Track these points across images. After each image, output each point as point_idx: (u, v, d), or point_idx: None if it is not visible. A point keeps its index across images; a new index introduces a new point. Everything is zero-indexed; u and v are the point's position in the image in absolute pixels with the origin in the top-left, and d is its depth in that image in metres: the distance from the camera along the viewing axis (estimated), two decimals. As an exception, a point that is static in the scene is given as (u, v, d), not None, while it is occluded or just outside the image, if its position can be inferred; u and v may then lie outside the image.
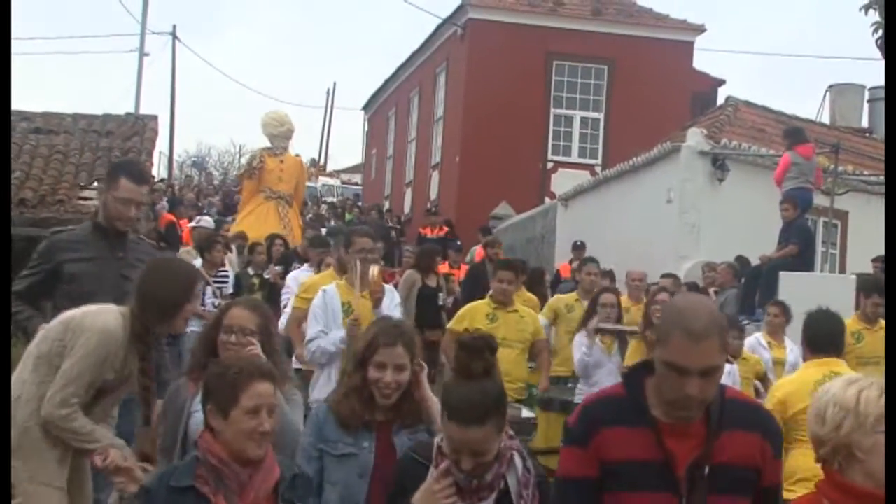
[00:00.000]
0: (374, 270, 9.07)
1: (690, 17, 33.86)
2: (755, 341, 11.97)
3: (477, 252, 21.19)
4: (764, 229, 18.71)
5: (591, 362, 10.95)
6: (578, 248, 20.47)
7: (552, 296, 15.93)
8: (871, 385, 3.99)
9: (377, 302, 8.94)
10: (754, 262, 18.09)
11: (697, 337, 3.80)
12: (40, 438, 5.98)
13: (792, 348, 11.94)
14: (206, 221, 18.82)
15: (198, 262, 17.35)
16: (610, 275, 15.65)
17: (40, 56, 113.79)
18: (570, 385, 12.10)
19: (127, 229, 6.97)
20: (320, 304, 9.11)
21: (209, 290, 14.43)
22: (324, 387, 8.70)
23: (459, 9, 33.31)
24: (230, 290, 14.96)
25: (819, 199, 19.65)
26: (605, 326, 11.09)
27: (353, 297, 8.99)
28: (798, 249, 17.92)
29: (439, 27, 35.36)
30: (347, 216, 31.80)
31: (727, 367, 9.48)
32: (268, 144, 21.60)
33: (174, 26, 49.88)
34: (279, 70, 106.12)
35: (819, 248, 20.25)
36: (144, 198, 6.11)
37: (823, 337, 7.51)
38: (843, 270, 20.71)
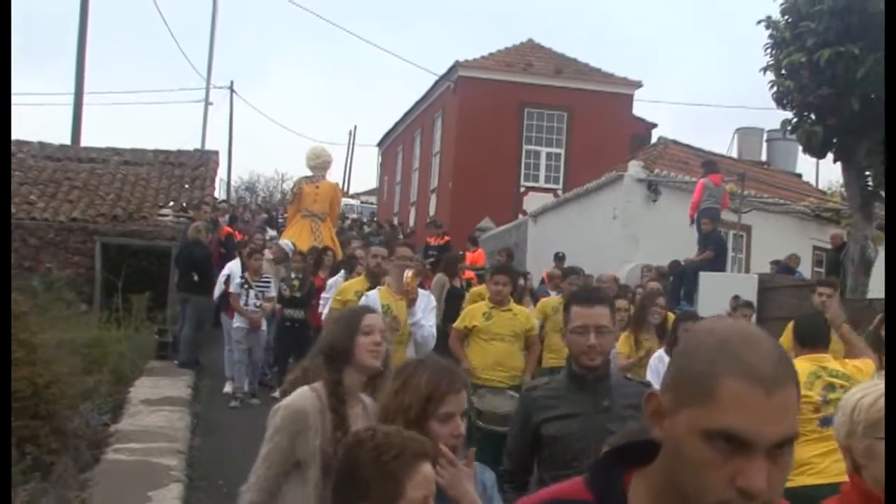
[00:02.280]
0: (408, 274, 8.26)
1: (631, 74, 33.85)
2: None
3: (468, 259, 21.01)
4: (687, 239, 18.78)
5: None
6: (560, 258, 19.89)
7: (529, 296, 15.79)
8: (873, 391, 3.13)
9: (411, 302, 8.17)
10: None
11: (770, 383, 1.76)
12: None
13: None
14: (286, 244, 18.42)
15: (288, 246, 17.24)
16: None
17: (130, 105, 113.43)
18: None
19: (598, 368, 4.47)
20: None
21: (252, 292, 14.10)
22: None
23: (452, 69, 33.37)
24: (272, 293, 14.59)
25: (728, 216, 19.79)
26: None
27: (392, 300, 8.16)
28: (713, 254, 18.05)
29: (436, 83, 35.43)
30: (366, 229, 31.74)
31: None
32: (308, 173, 21.48)
33: (231, 82, 50.27)
34: (313, 115, 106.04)
35: (729, 254, 20.30)
36: (606, 319, 4.45)
37: (811, 334, 6.92)
38: (747, 271, 20.77)
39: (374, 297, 8.16)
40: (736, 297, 12.82)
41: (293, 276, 15.28)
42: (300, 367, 4.94)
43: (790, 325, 10.50)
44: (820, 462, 6.34)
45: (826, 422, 6.32)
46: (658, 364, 8.87)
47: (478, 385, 9.18)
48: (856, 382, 6.29)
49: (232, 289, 14.08)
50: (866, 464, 3.04)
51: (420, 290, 8.52)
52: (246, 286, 14.04)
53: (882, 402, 3.03)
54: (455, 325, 10.45)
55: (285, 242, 17.95)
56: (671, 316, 10.47)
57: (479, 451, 9.91)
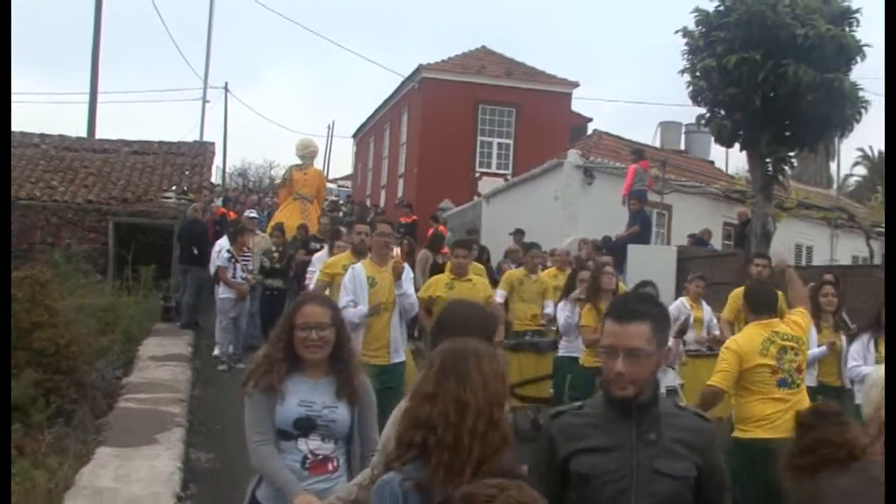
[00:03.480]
0: (396, 251, 7.96)
1: (570, 76, 33.91)
2: (680, 304, 10.89)
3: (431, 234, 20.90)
4: (618, 216, 18.95)
5: (572, 324, 9.73)
6: (518, 233, 19.66)
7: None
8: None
9: (398, 275, 7.78)
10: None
11: None
12: None
13: (706, 309, 11.10)
14: (250, 212, 18.44)
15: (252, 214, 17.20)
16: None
17: (140, 103, 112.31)
18: (527, 336, 10.89)
19: (629, 399, 3.14)
20: (350, 278, 7.88)
21: (238, 266, 13.76)
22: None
23: (416, 71, 33.26)
24: (254, 267, 14.37)
25: (652, 196, 19.95)
26: (584, 297, 9.75)
27: (377, 272, 7.85)
28: (640, 230, 18.23)
29: (403, 83, 35.30)
30: (343, 209, 31.65)
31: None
32: (298, 161, 21.32)
33: (226, 83, 50.12)
34: (296, 111, 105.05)
35: (653, 229, 20.47)
36: (643, 339, 3.11)
37: (762, 303, 6.53)
38: (668, 243, 20.89)
39: (359, 270, 7.96)
40: (693, 271, 12.24)
41: (273, 249, 15.23)
42: (263, 354, 4.24)
43: (734, 293, 10.19)
44: (777, 418, 6.09)
45: (782, 383, 6.20)
46: None
47: None
48: (803, 342, 6.41)
49: (220, 262, 13.83)
50: None
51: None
52: (233, 260, 13.81)
53: None
54: (419, 294, 9.92)
55: (251, 212, 17.95)
56: (622, 285, 10.16)
57: None
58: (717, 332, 10.58)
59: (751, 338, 6.35)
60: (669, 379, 8.43)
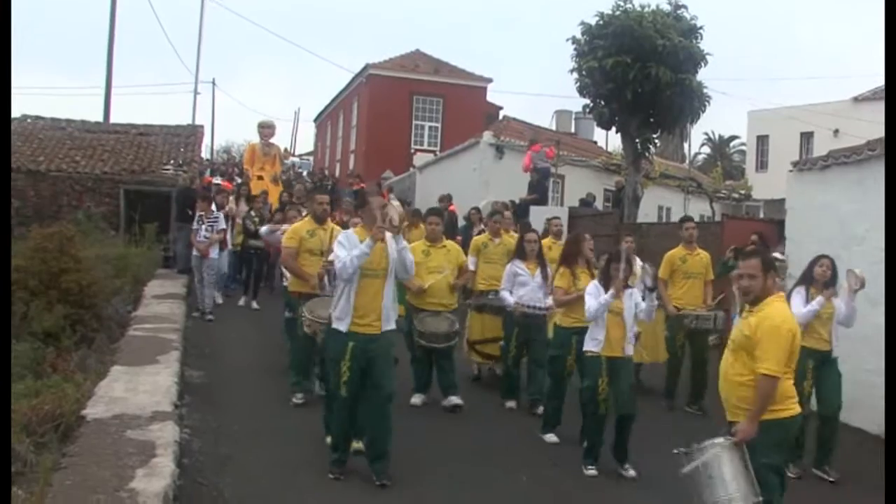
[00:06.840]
0: (394, 215, 6.01)
1: (485, 73, 34.02)
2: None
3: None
4: (521, 183, 19.15)
5: (518, 282, 8.58)
6: (446, 198, 18.42)
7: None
8: None
9: (395, 228, 6.05)
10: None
11: None
12: None
13: (637, 263, 9.22)
14: (217, 180, 18.04)
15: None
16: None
17: (144, 95, 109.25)
18: (490, 296, 9.21)
19: None
20: (344, 239, 6.03)
21: (203, 227, 12.74)
22: (343, 305, 6.00)
23: (364, 69, 33.05)
24: (222, 226, 13.09)
25: (551, 169, 20.15)
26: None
27: (367, 238, 5.93)
28: (538, 196, 18.47)
29: (354, 78, 35.02)
30: (306, 178, 31.35)
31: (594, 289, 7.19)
32: (269, 139, 20.54)
33: (213, 78, 49.18)
34: (269, 98, 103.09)
35: (550, 194, 20.72)
36: None
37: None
38: (562, 205, 21.17)
39: (352, 233, 6.22)
40: (625, 239, 10.24)
41: (253, 215, 14.72)
42: None
43: (668, 254, 9.36)
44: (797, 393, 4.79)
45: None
46: (595, 290, 6.97)
47: (419, 309, 8.26)
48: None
49: (194, 224, 12.98)
50: None
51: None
52: (199, 222, 12.89)
53: None
54: None
55: (218, 179, 17.35)
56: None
57: (415, 363, 8.45)
58: (649, 284, 9.77)
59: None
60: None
